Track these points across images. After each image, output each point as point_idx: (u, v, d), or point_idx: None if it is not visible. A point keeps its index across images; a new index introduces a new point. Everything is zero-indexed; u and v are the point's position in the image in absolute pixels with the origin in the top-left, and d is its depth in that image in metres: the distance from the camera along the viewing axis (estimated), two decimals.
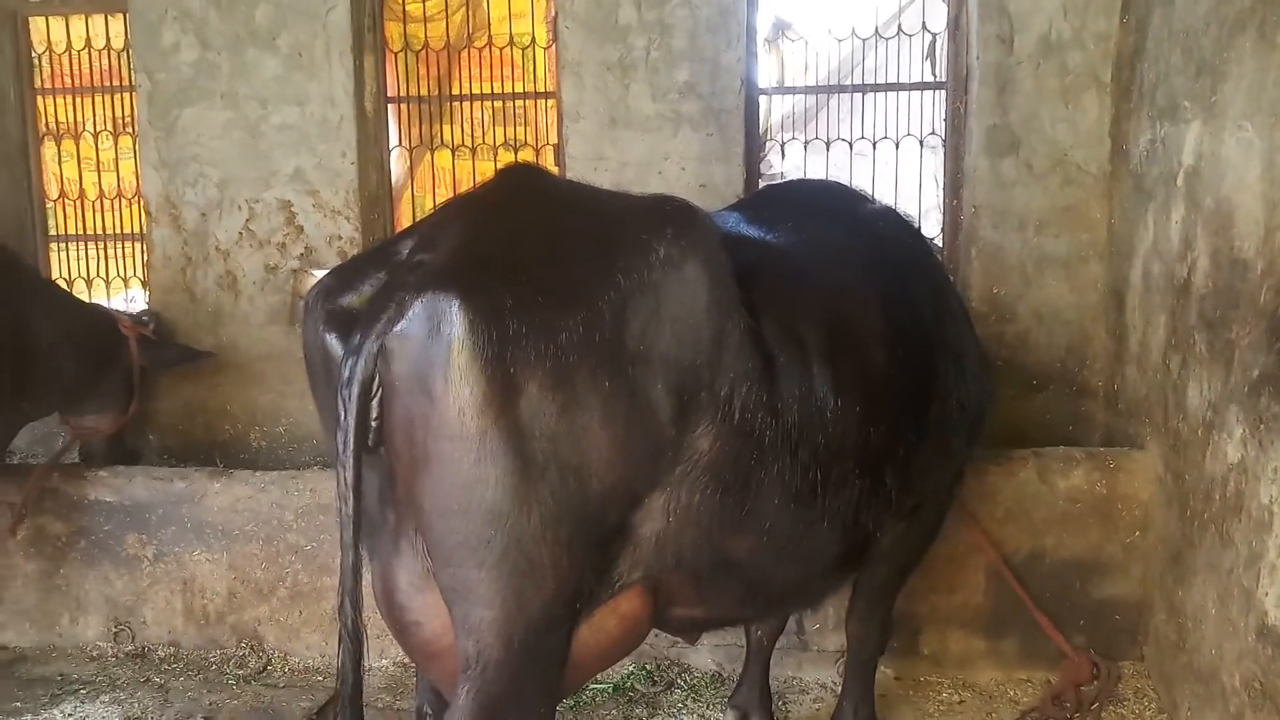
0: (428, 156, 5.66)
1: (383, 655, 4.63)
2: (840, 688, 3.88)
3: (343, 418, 2.32)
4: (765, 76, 5.42)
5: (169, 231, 5.51)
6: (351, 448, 2.33)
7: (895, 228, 3.46)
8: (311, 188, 5.38)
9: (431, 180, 5.67)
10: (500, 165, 5.52)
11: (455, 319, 2.22)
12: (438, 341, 2.24)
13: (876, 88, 5.31)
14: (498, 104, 5.58)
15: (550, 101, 5.51)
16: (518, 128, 5.57)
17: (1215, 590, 3.55)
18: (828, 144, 5.34)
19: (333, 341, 2.46)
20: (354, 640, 2.46)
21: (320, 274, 5.38)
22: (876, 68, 5.32)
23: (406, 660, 4.59)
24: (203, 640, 4.75)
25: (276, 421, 5.57)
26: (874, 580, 3.51)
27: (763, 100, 5.38)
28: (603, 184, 5.13)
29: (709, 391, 2.52)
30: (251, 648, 4.70)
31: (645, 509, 2.53)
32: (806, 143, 5.40)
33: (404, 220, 5.74)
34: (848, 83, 5.42)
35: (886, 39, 5.26)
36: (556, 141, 5.49)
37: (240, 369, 5.55)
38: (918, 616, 4.40)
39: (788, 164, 5.43)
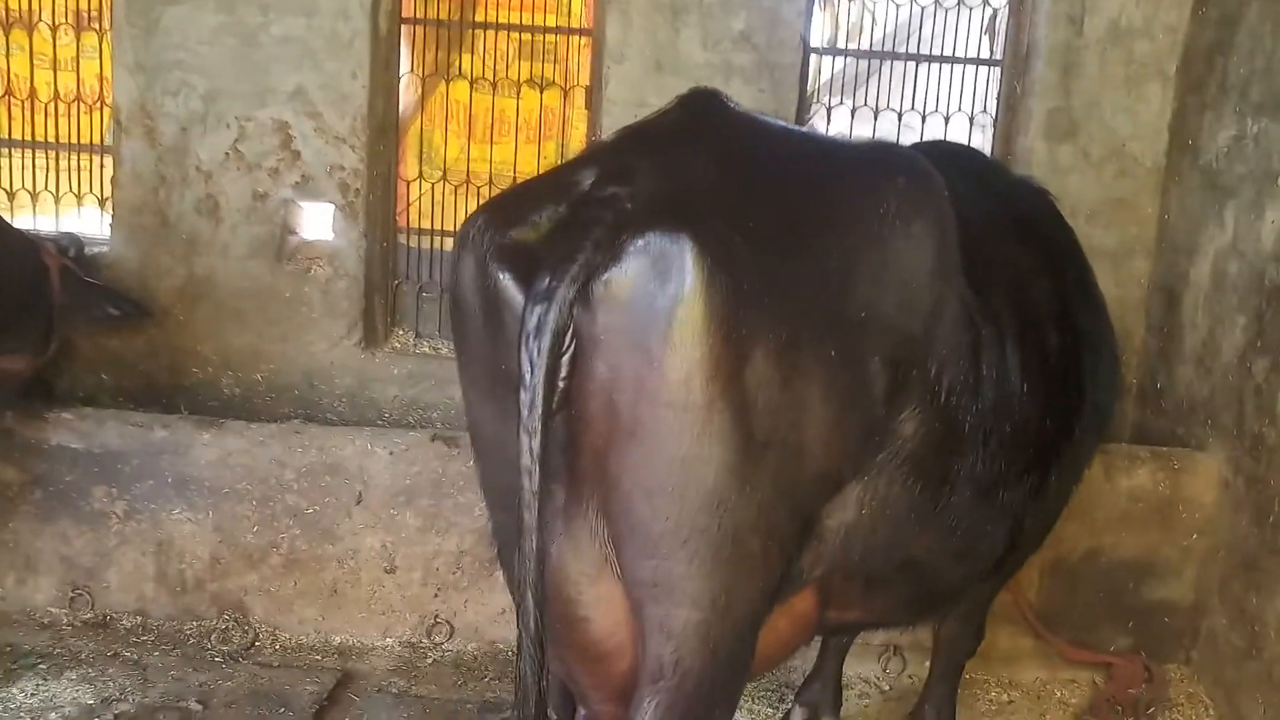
0: (441, 87, 5.13)
1: (386, 634, 4.19)
2: (922, 690, 3.66)
3: (528, 375, 1.90)
4: (817, 34, 5.11)
5: (141, 145, 4.83)
6: (540, 411, 1.92)
7: (1042, 203, 3.21)
8: (314, 109, 4.80)
9: (444, 114, 5.15)
10: (524, 103, 5.17)
11: (687, 264, 1.84)
12: (662, 290, 1.85)
13: (931, 58, 5.07)
14: (525, 36, 5.09)
15: (584, 39, 5.06)
16: (545, 64, 5.10)
17: None
18: (876, 112, 5.09)
19: (508, 282, 2.02)
20: (538, 648, 2.03)
21: (314, 206, 4.92)
22: (933, 37, 5.07)
23: (415, 640, 4.18)
24: (176, 610, 4.19)
25: (255, 367, 4.99)
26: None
27: (812, 60, 5.07)
28: None
29: (920, 369, 2.21)
30: (235, 620, 4.17)
31: (840, 499, 2.21)
32: (854, 109, 5.12)
33: (409, 155, 5.21)
34: (901, 50, 5.15)
35: (945, 8, 5.00)
36: (589, 83, 5.06)
37: (215, 305, 4.94)
38: None
39: (832, 130, 5.13)
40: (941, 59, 5.06)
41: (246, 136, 4.82)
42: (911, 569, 2.46)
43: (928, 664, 4.19)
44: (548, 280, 1.91)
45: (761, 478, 1.96)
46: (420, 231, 5.23)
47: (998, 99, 5.05)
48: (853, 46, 5.20)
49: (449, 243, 5.23)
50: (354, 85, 4.79)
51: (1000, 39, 5.06)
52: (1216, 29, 4.51)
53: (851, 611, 2.57)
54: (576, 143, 5.15)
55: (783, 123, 2.49)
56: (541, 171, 2.34)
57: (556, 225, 2.03)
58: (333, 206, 4.89)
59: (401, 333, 5.27)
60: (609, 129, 4.83)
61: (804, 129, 2.48)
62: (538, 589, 1.99)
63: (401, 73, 5.04)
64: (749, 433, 1.91)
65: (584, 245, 1.92)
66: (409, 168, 5.21)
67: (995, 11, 5.06)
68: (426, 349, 5.20)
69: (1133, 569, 4.23)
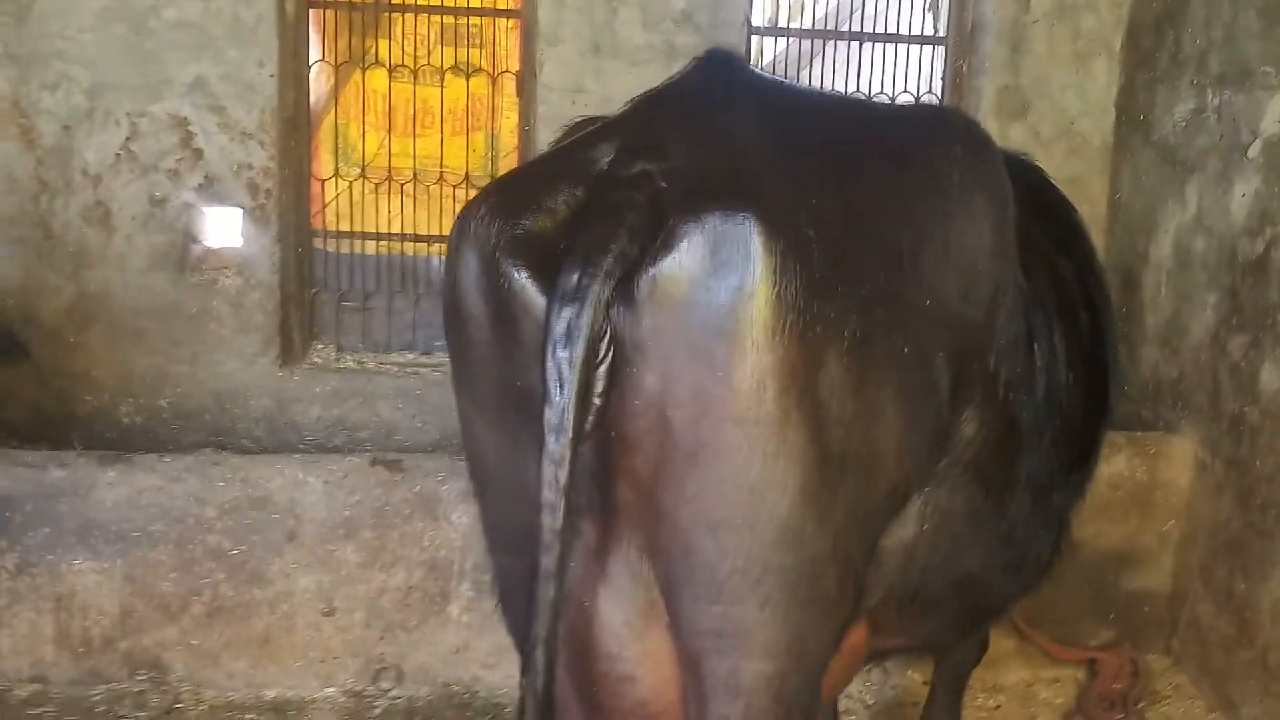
0: (357, 76, 4.71)
1: (327, 683, 3.77)
2: (927, 698, 3.43)
3: (556, 391, 1.57)
4: (758, 14, 4.86)
5: (17, 148, 4.29)
6: (571, 435, 1.59)
7: (1040, 178, 3.00)
8: (216, 102, 4.33)
9: (361, 105, 4.73)
10: (449, 92, 4.79)
11: (755, 250, 1.54)
12: (726, 282, 1.55)
13: (874, 37, 4.86)
14: (447, 19, 4.70)
15: (512, 21, 4.71)
16: (470, 49, 4.73)
17: None
18: None
19: (525, 281, 1.67)
20: (543, 704, 1.70)
21: (220, 210, 4.44)
22: (875, 15, 4.87)
23: (360, 688, 3.78)
24: (81, 674, 3.68)
25: (158, 391, 4.49)
26: None
27: (754, 40, 4.82)
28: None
29: (981, 362, 1.97)
30: (153, 681, 3.69)
31: (902, 516, 1.95)
32: None
33: (323, 152, 4.77)
34: (844, 29, 4.94)
35: None
36: (519, 68, 4.70)
37: (111, 324, 4.42)
38: None
39: None
40: (885, 37, 4.86)
41: (140, 134, 4.32)
42: (965, 586, 2.21)
43: (911, 673, 4.01)
44: (577, 277, 1.58)
45: (836, 501, 1.67)
46: (338, 235, 4.80)
47: (943, 78, 4.89)
48: (794, 26, 4.97)
49: (370, 246, 4.83)
50: (261, 75, 4.34)
51: (944, 16, 4.89)
52: (1164, 1, 4.41)
53: (896, 638, 2.31)
54: (508, 134, 4.80)
55: (811, 86, 2.20)
56: (552, 149, 1.97)
57: (578, 211, 1.70)
58: (241, 210, 4.43)
59: (321, 347, 4.83)
60: (545, 117, 4.51)
61: (836, 93, 2.18)
62: (551, 646, 1.67)
63: (312, 60, 4.61)
64: (825, 449, 1.62)
65: (617, 233, 1.60)
66: (323, 165, 4.77)
67: None
68: (350, 363, 4.78)
69: (1113, 559, 4.10)
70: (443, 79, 4.71)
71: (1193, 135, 4.15)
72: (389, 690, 3.77)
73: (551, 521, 1.62)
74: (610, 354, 1.61)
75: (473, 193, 4.77)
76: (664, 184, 1.65)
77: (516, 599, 2.00)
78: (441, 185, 4.77)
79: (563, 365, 1.57)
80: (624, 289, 1.58)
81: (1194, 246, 4.11)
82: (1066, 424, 2.29)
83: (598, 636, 1.78)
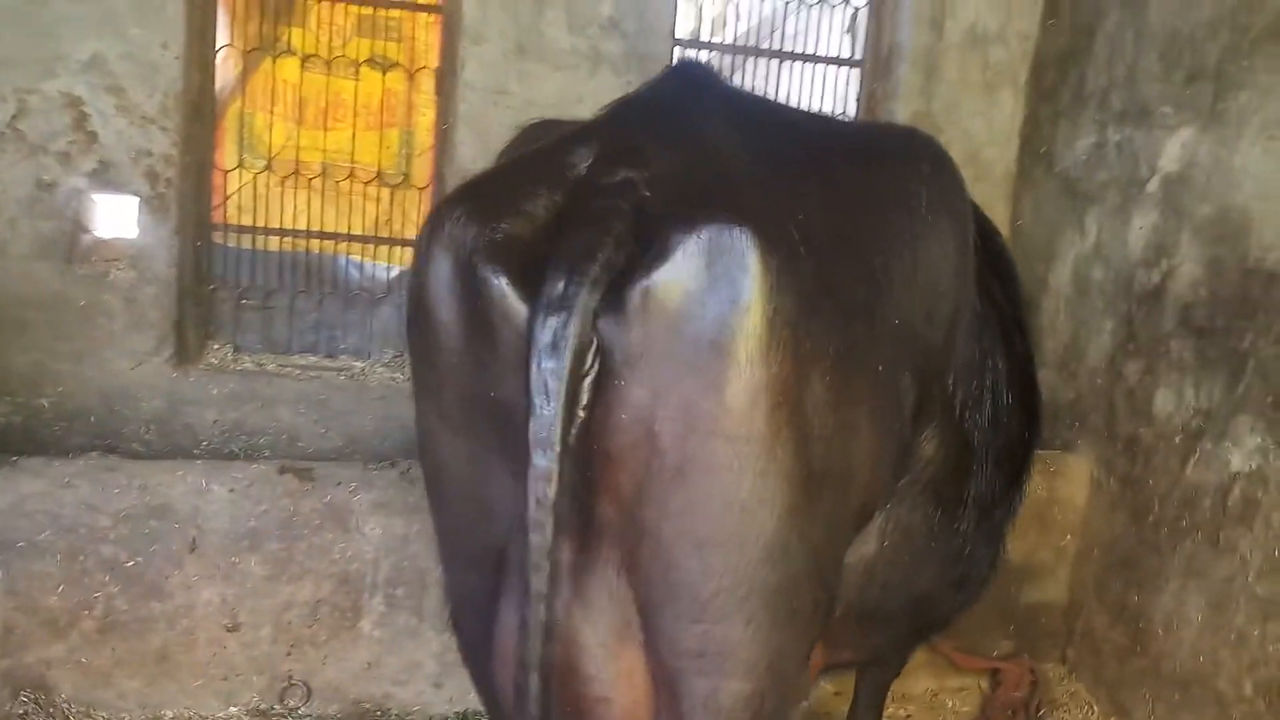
0: (266, 64, 4.50)
1: (230, 702, 3.57)
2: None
3: (542, 403, 1.53)
4: (681, 26, 4.87)
5: None
6: (558, 447, 1.54)
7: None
8: (115, 83, 4.05)
9: (270, 95, 4.51)
10: (364, 85, 4.62)
11: (751, 264, 1.53)
12: (721, 296, 1.53)
13: (793, 56, 4.94)
14: (364, 10, 4.54)
15: (431, 17, 4.58)
16: (388, 42, 4.58)
17: (1202, 597, 3.55)
18: None
19: (504, 288, 1.62)
20: None
21: (114, 198, 4.16)
22: (796, 35, 4.94)
23: (265, 706, 3.60)
24: None
25: (39, 390, 4.16)
26: None
27: (677, 52, 4.81)
28: (503, 124, 4.37)
29: (940, 383, 2.02)
30: (36, 702, 3.42)
31: (864, 533, 1.97)
32: None
33: (227, 142, 4.53)
34: (765, 46, 4.99)
35: (808, 4, 4.89)
36: (438, 65, 4.57)
37: None
38: None
39: None
40: (804, 57, 4.94)
41: (28, 113, 4.00)
42: (919, 602, 2.26)
43: (823, 683, 4.06)
44: (563, 284, 1.54)
45: (816, 518, 1.68)
46: (240, 229, 4.56)
47: (858, 100, 5.00)
48: (717, 40, 5.00)
49: (274, 242, 4.62)
50: (165, 56, 4.09)
51: (860, 40, 5.01)
52: (1070, 37, 4.62)
53: (845, 653, 2.33)
54: (424, 131, 4.66)
55: (781, 101, 2.20)
56: (529, 152, 1.90)
57: (561, 217, 1.65)
58: (138, 199, 4.15)
59: (218, 346, 4.58)
60: (465, 116, 4.40)
61: (805, 109, 2.20)
62: (546, 667, 1.61)
63: (219, 45, 4.37)
64: (809, 466, 1.62)
65: (603, 241, 1.56)
66: (226, 156, 4.53)
67: (856, 11, 5.00)
68: (249, 364, 4.54)
69: (1013, 573, 4.24)
70: (358, 72, 4.54)
71: (1093, 168, 4.36)
72: (297, 709, 3.60)
73: (540, 540, 1.58)
74: (595, 366, 1.57)
75: (385, 191, 4.66)
76: (647, 192, 1.63)
77: (470, 615, 1.94)
78: (352, 182, 4.60)
79: (549, 377, 1.53)
80: (612, 299, 1.56)
81: (1092, 275, 4.31)
82: (1008, 443, 2.36)
83: (572, 658, 1.73)
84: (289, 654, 3.60)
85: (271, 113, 4.53)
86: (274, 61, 4.48)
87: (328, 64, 4.52)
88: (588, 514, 1.66)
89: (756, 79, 4.92)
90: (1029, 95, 4.91)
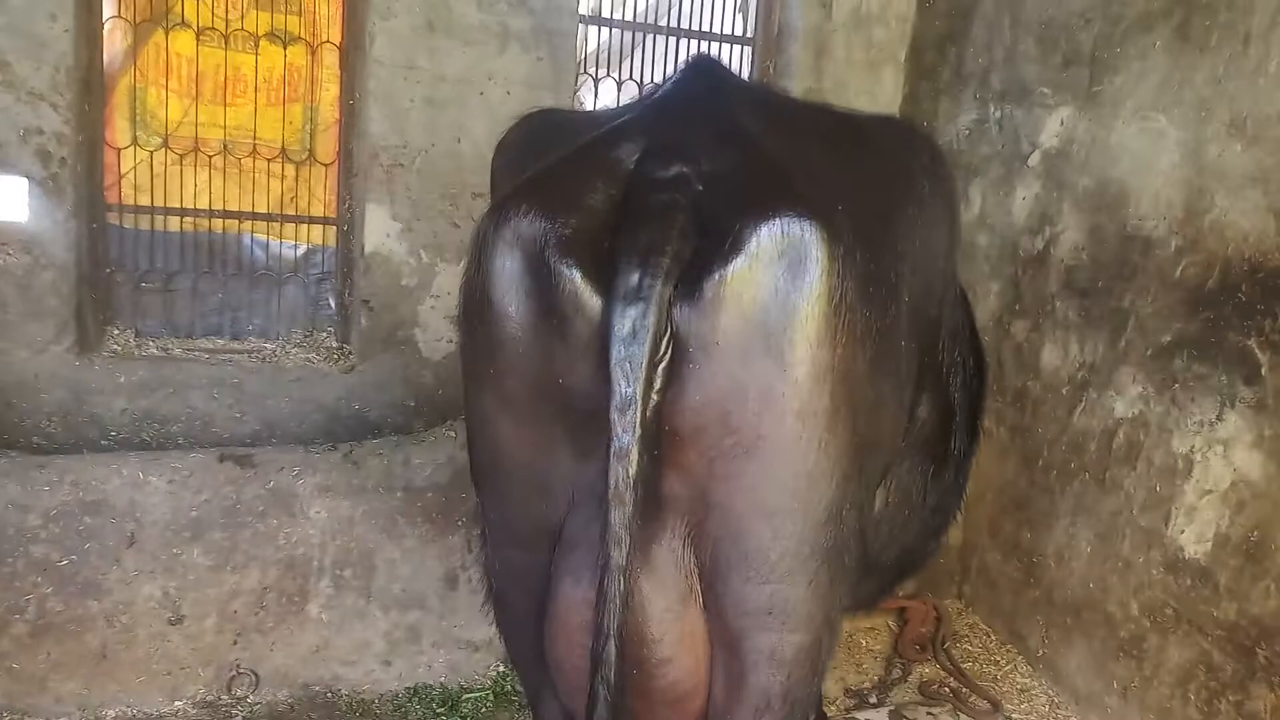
0: (158, 37, 4.28)
1: (175, 696, 3.49)
2: None
3: (624, 389, 1.63)
4: (585, 3, 4.92)
5: None
6: (639, 431, 1.65)
7: None
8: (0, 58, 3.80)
9: (164, 69, 4.31)
10: (264, 60, 4.46)
11: (818, 252, 1.67)
12: (794, 284, 1.66)
13: (689, 34, 5.08)
14: None
15: None
16: (288, 15, 4.44)
17: (1090, 531, 3.96)
18: (640, 86, 5.01)
19: (579, 281, 1.70)
20: (616, 697, 1.74)
21: (4, 181, 3.91)
22: (692, 13, 5.08)
23: (213, 697, 3.55)
24: None
25: None
26: None
27: (580, 28, 4.87)
28: (413, 99, 4.37)
29: (932, 353, 2.23)
30: None
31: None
32: (620, 82, 5.01)
33: (118, 118, 4.30)
34: (663, 24, 5.10)
35: None
36: (342, 39, 4.48)
37: None
38: None
39: (600, 104, 4.98)
40: (699, 35, 5.10)
41: None
42: (906, 552, 2.47)
43: None
44: (637, 277, 1.64)
45: (861, 482, 1.85)
46: (136, 209, 4.36)
47: (751, 77, 5.19)
48: (618, 18, 5.08)
49: (174, 223, 4.44)
50: (54, 29, 3.86)
51: (752, 19, 5.19)
52: (947, 20, 4.95)
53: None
54: (327, 106, 4.56)
55: (781, 91, 2.35)
56: (575, 148, 1.95)
57: (624, 211, 1.74)
58: (28, 180, 3.92)
59: (118, 332, 4.38)
60: (374, 93, 4.35)
61: (807, 100, 2.34)
62: (620, 638, 1.72)
63: (107, 16, 4.14)
64: (859, 436, 1.79)
65: (670, 235, 1.67)
66: (118, 133, 4.31)
67: None
68: (154, 350, 4.37)
69: None
70: (257, 45, 4.39)
71: (975, 143, 4.71)
72: (245, 697, 3.54)
73: (621, 516, 1.67)
74: (668, 352, 1.68)
75: (290, 168, 4.54)
76: (700, 186, 1.74)
77: (519, 593, 2.02)
78: (255, 158, 4.46)
79: (629, 363, 1.63)
80: (686, 289, 1.66)
81: (978, 241, 4.67)
82: (971, 401, 2.61)
83: (642, 623, 1.84)
84: (235, 643, 3.55)
85: (166, 88, 4.33)
86: (166, 34, 4.28)
87: (225, 37, 4.35)
88: (654, 490, 1.77)
89: (655, 56, 5.05)
90: (909, 74, 5.23)
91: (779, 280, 1.65)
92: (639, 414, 1.64)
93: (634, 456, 1.65)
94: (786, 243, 1.65)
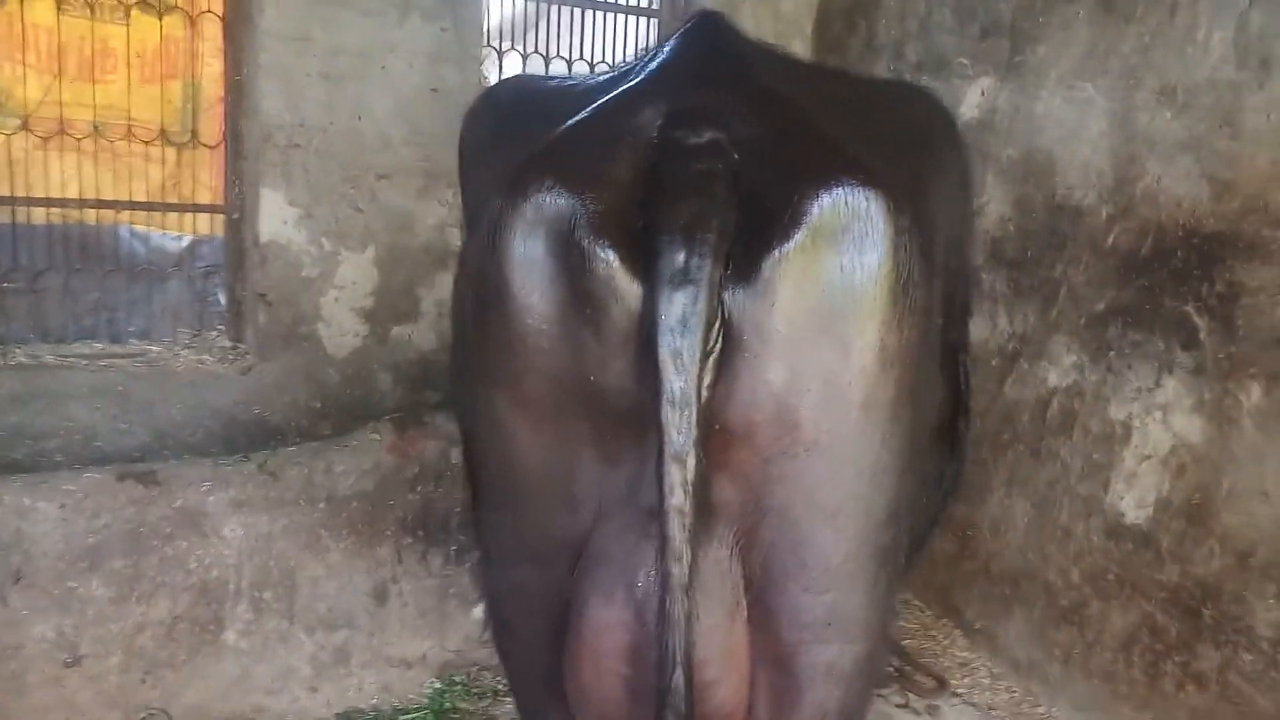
0: (12, 5, 3.80)
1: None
2: None
3: (676, 384, 1.44)
4: None
5: None
6: (694, 432, 1.46)
7: None
8: None
9: (21, 42, 3.83)
10: (136, 32, 4.02)
11: (884, 227, 1.52)
12: (860, 260, 1.51)
13: (595, 5, 4.87)
14: None
15: None
16: None
17: (1027, 501, 3.99)
18: (547, 60, 4.78)
19: (616, 264, 1.50)
20: None
21: None
22: None
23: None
24: None
25: None
26: None
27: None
28: (309, 74, 4.04)
29: (945, 320, 2.13)
30: None
31: None
32: (525, 55, 4.77)
33: None
34: None
35: None
36: (224, 10, 4.08)
37: None
38: None
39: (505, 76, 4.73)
40: (605, 6, 4.89)
41: None
42: (917, 530, 2.37)
43: None
44: (683, 256, 1.45)
45: (914, 475, 1.71)
46: None
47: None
48: None
49: (39, 214, 3.98)
50: None
51: None
52: None
53: None
54: (211, 82, 4.17)
55: (790, 53, 2.18)
56: (589, 114, 1.71)
57: (657, 183, 1.54)
58: None
59: None
60: (265, 66, 3.99)
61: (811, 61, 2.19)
62: (688, 664, 1.54)
63: None
64: (915, 424, 1.65)
65: (712, 208, 1.49)
66: None
67: None
68: (23, 358, 3.90)
69: None
70: (128, 16, 3.96)
71: None
72: None
73: (680, 527, 1.49)
74: (719, 342, 1.50)
75: (170, 151, 4.14)
76: (736, 154, 1.57)
77: (527, 614, 1.82)
78: (130, 141, 4.03)
79: (681, 356, 1.44)
80: (740, 269, 1.48)
81: None
82: (967, 375, 2.52)
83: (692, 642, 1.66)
84: (144, 681, 3.20)
85: (23, 63, 3.86)
86: (20, 3, 3.80)
87: (90, 7, 3.91)
88: (702, 496, 1.59)
89: (561, 27, 4.82)
90: (815, 46, 5.16)
91: (844, 257, 1.49)
92: (694, 413, 1.45)
93: (692, 460, 1.46)
94: (851, 215, 1.49)
